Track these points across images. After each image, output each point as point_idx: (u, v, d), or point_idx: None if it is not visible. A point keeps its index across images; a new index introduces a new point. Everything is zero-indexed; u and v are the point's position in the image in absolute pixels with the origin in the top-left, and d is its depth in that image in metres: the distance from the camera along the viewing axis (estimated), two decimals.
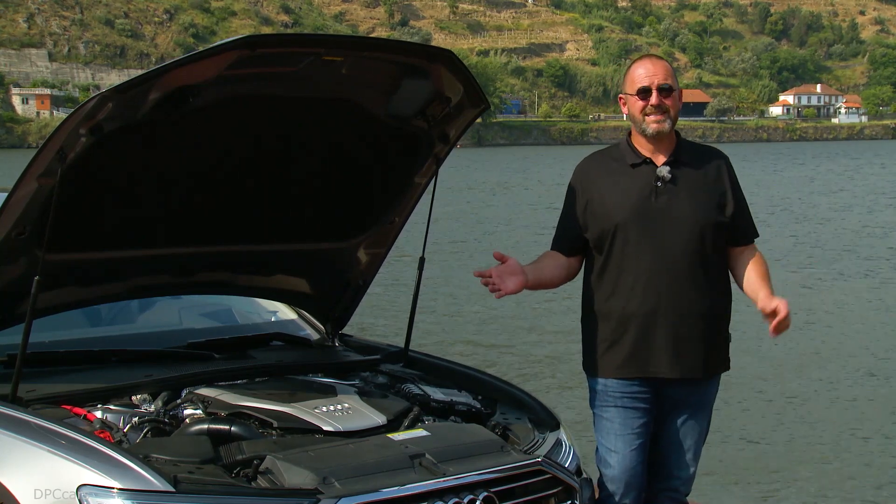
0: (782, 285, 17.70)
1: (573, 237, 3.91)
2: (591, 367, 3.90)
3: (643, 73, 3.83)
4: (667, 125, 3.81)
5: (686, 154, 3.87)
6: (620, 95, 3.95)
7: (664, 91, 3.80)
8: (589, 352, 3.91)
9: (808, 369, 11.93)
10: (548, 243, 4.01)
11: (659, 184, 3.79)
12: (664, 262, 3.75)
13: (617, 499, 3.85)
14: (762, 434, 9.41)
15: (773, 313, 3.66)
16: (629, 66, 3.95)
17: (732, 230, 3.85)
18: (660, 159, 3.83)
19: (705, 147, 4.02)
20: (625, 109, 3.92)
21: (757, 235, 3.95)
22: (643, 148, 3.86)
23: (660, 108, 3.79)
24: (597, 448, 3.94)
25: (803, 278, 18.92)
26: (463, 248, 23.95)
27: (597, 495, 3.87)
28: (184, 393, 3.69)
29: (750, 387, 10.77)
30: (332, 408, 3.56)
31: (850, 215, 31.02)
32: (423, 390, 3.94)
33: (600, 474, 3.92)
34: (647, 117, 3.80)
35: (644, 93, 3.80)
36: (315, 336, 4.61)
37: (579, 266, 3.97)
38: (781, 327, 3.67)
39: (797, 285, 17.87)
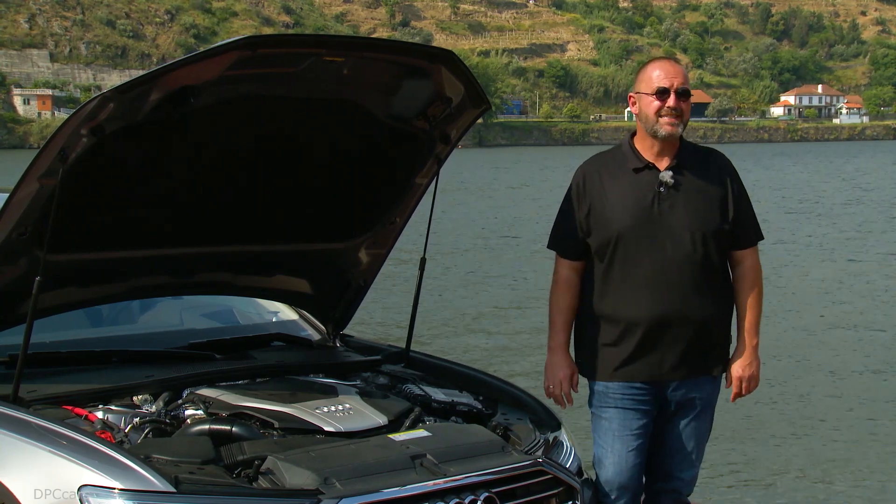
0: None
1: (578, 240, 3.87)
2: (592, 370, 3.89)
3: (662, 73, 3.78)
4: (679, 129, 3.78)
5: (689, 158, 3.84)
6: (631, 94, 3.88)
7: (682, 95, 3.77)
8: (589, 356, 3.89)
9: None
10: None
11: (662, 189, 3.76)
12: (667, 268, 3.73)
13: (611, 499, 3.84)
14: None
15: (738, 383, 3.89)
16: (644, 65, 3.88)
17: (734, 234, 3.83)
18: (663, 163, 3.80)
19: (707, 149, 3.98)
20: (634, 109, 3.85)
21: (761, 238, 3.93)
22: (646, 151, 3.82)
23: (675, 111, 3.76)
24: (594, 449, 3.92)
25: None
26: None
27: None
28: (185, 393, 3.69)
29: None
30: (333, 408, 3.56)
31: None
32: (424, 391, 3.94)
33: (596, 475, 3.91)
34: (661, 118, 3.76)
35: (662, 94, 3.76)
36: (316, 336, 4.61)
37: (584, 270, 3.94)
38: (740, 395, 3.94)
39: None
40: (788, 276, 18.96)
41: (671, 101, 3.75)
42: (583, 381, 3.98)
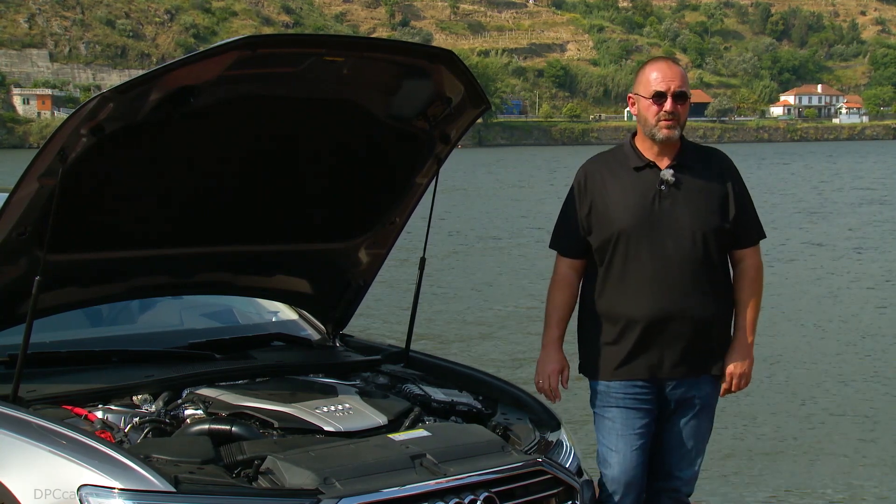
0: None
1: (579, 239, 3.89)
2: (594, 370, 3.89)
3: (659, 76, 3.77)
4: (677, 132, 3.79)
5: (690, 157, 3.85)
6: (630, 95, 3.89)
7: (680, 98, 3.77)
8: (591, 355, 3.90)
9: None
10: None
11: (663, 187, 3.78)
12: (668, 266, 3.74)
13: (617, 499, 3.85)
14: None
15: (728, 379, 3.89)
16: (643, 66, 3.88)
17: (735, 232, 3.85)
18: (664, 162, 3.82)
19: (708, 149, 3.99)
20: (633, 109, 3.86)
21: (763, 237, 3.94)
22: (647, 151, 3.84)
23: (673, 115, 3.76)
24: (597, 448, 3.94)
25: None
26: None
27: (597, 495, 3.87)
28: (185, 393, 3.69)
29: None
30: (332, 408, 3.56)
31: None
32: (423, 390, 3.94)
33: (601, 474, 3.92)
34: (659, 122, 3.77)
35: (659, 97, 3.76)
36: (316, 336, 4.61)
37: (584, 269, 3.96)
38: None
39: None
40: (790, 276, 18.96)
41: (668, 105, 3.75)
42: (583, 380, 3.99)
